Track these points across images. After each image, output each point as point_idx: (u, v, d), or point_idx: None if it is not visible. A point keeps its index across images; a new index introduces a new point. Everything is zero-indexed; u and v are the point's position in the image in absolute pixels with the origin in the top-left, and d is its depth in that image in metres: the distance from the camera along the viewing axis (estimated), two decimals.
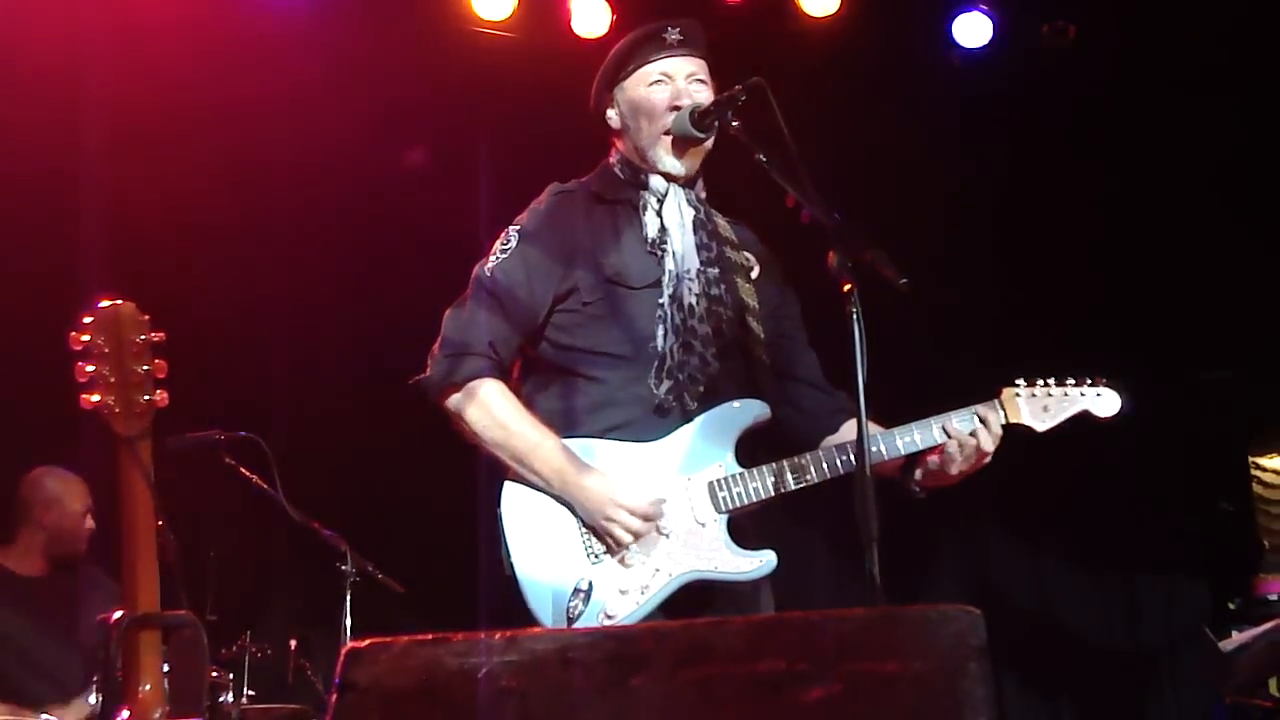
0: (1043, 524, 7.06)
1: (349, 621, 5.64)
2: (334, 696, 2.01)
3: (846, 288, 3.03)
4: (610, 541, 3.36)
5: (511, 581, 3.34)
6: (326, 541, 5.73)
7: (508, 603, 3.33)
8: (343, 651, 2.05)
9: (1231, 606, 6.68)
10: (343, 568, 5.68)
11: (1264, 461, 7.79)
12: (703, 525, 3.41)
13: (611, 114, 3.72)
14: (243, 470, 5.72)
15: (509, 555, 3.36)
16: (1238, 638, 3.90)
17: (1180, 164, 6.68)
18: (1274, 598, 6.59)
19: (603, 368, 3.50)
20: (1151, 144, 6.69)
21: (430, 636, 2.05)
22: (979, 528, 7.14)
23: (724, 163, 3.64)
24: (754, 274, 3.71)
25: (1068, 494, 6.97)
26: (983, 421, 3.47)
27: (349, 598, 5.65)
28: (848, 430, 3.62)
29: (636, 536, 3.36)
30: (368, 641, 2.05)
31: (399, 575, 5.89)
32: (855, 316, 3.01)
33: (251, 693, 5.94)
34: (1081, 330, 6.72)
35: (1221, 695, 6.10)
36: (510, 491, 3.43)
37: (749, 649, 2.04)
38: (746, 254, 3.74)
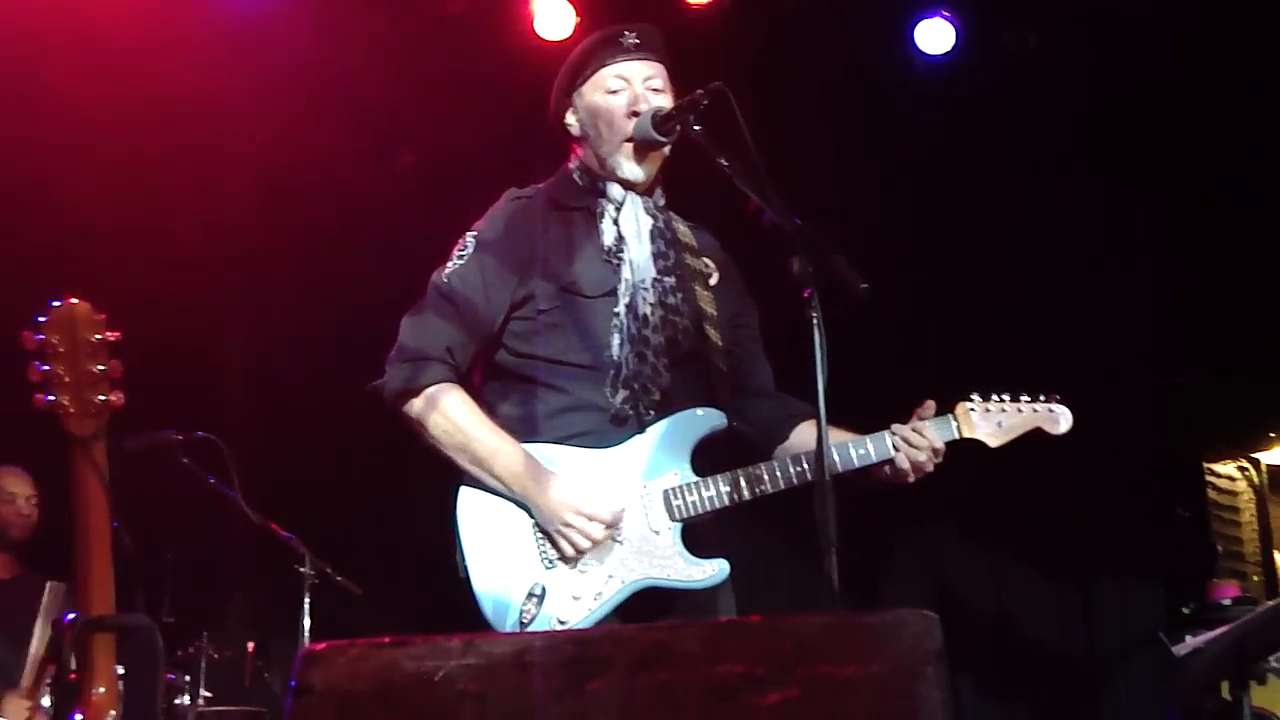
0: (1001, 529, 7.09)
1: (307, 624, 5.62)
2: (290, 699, 2.01)
3: (807, 293, 3.05)
4: (566, 547, 3.35)
5: (465, 584, 3.34)
6: (285, 543, 5.71)
7: (462, 606, 3.33)
8: (299, 654, 2.04)
9: (1186, 611, 6.74)
10: (301, 570, 5.66)
11: (1218, 468, 7.87)
12: (657, 533, 3.42)
13: (571, 119, 3.71)
14: (200, 471, 5.69)
15: (464, 558, 3.35)
16: (1191, 642, 3.93)
17: (1141, 171, 6.72)
18: (1227, 603, 6.64)
19: (561, 376, 3.49)
20: (1112, 150, 6.72)
21: (388, 639, 2.04)
22: (937, 533, 7.17)
23: (689, 166, 3.64)
24: (713, 281, 3.71)
25: (1026, 499, 7.00)
26: (923, 434, 3.48)
27: (307, 600, 5.63)
28: (799, 435, 3.63)
29: (594, 544, 3.36)
30: (324, 644, 2.04)
31: (358, 578, 5.87)
32: (816, 322, 3.03)
33: (208, 695, 5.92)
34: (1041, 337, 6.76)
35: (1175, 699, 6.16)
36: (466, 496, 3.43)
37: (707, 653, 2.04)
38: (707, 260, 3.73)
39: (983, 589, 7.06)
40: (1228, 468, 7.90)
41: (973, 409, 3.57)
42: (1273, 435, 7.94)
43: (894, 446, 3.48)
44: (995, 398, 3.59)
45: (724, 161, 3.27)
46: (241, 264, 6.75)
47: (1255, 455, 7.99)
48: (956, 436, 3.54)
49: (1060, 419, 3.62)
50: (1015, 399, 3.60)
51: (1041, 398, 3.63)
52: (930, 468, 3.50)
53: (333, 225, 6.69)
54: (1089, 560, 7.06)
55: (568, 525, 3.34)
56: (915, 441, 3.48)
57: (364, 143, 6.70)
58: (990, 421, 3.57)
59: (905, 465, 3.48)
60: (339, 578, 5.78)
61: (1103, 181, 6.81)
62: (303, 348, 6.72)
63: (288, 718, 2.00)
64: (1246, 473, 7.94)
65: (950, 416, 3.55)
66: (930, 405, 3.56)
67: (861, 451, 3.47)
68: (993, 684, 6.84)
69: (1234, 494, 7.91)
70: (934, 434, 3.49)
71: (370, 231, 6.59)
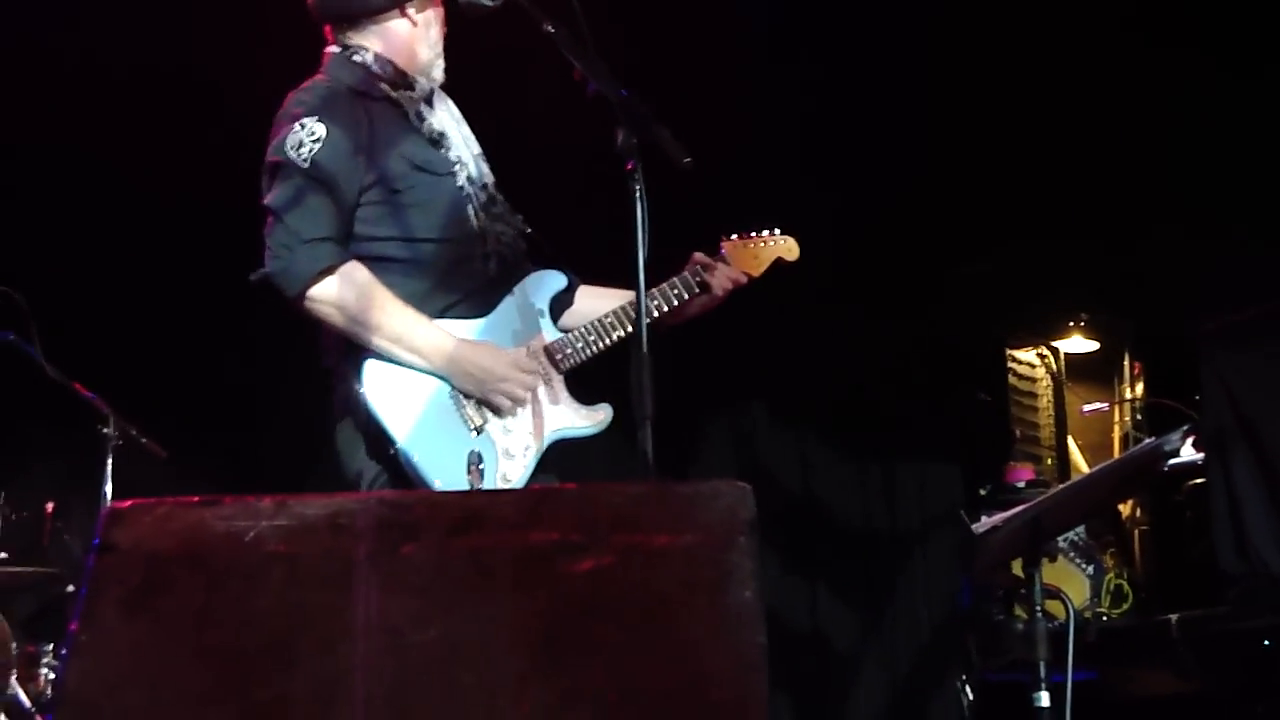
0: (810, 409, 7.22)
1: (109, 487, 5.51)
2: (93, 557, 1.96)
3: (630, 166, 3.09)
4: (505, 403, 3.51)
5: (402, 464, 3.38)
6: (87, 403, 5.56)
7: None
8: (104, 511, 1.99)
9: (982, 493, 6.96)
10: (104, 430, 5.53)
11: (1019, 355, 8.11)
12: (552, 387, 3.64)
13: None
14: None
15: (391, 438, 3.38)
16: (987, 521, 4.08)
17: (944, 61, 6.67)
18: (1021, 485, 6.88)
19: (425, 250, 3.56)
20: (908, 31, 6.61)
21: (196, 499, 2.00)
22: (749, 410, 7.27)
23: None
24: None
25: (836, 381, 7.13)
26: (720, 269, 3.89)
27: (110, 461, 5.51)
28: (584, 299, 3.89)
29: (530, 390, 3.56)
30: (130, 502, 1.99)
31: (164, 441, 5.76)
32: (639, 194, 3.07)
33: (3, 555, 5.78)
34: (853, 226, 6.79)
35: (970, 574, 6.38)
36: (374, 371, 3.43)
37: (522, 519, 2.05)
38: None
39: (790, 466, 7.19)
40: (1028, 355, 8.15)
41: (735, 245, 3.99)
42: (1072, 325, 8.20)
43: (698, 283, 3.84)
44: (743, 234, 4.02)
45: (550, 28, 3.25)
46: (38, 103, 6.40)
47: (1054, 344, 8.25)
48: (735, 269, 3.95)
49: (792, 247, 4.08)
50: (758, 234, 4.04)
51: (776, 230, 4.07)
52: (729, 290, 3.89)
53: (141, 64, 6.35)
54: (893, 441, 7.22)
55: (507, 380, 3.50)
56: (717, 275, 3.87)
57: None
58: (749, 254, 4.00)
59: (719, 290, 3.87)
60: (143, 440, 5.66)
61: (904, 68, 6.73)
62: (106, 195, 6.46)
63: (89, 576, 1.96)
64: (1045, 360, 8.19)
65: (722, 254, 3.96)
66: (700, 255, 3.90)
67: (676, 292, 3.81)
68: (797, 557, 7.00)
69: (1033, 380, 8.16)
70: (726, 268, 3.91)
71: (171, 86, 6.29)
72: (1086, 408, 7.79)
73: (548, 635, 1.96)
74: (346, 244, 3.49)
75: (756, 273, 3.99)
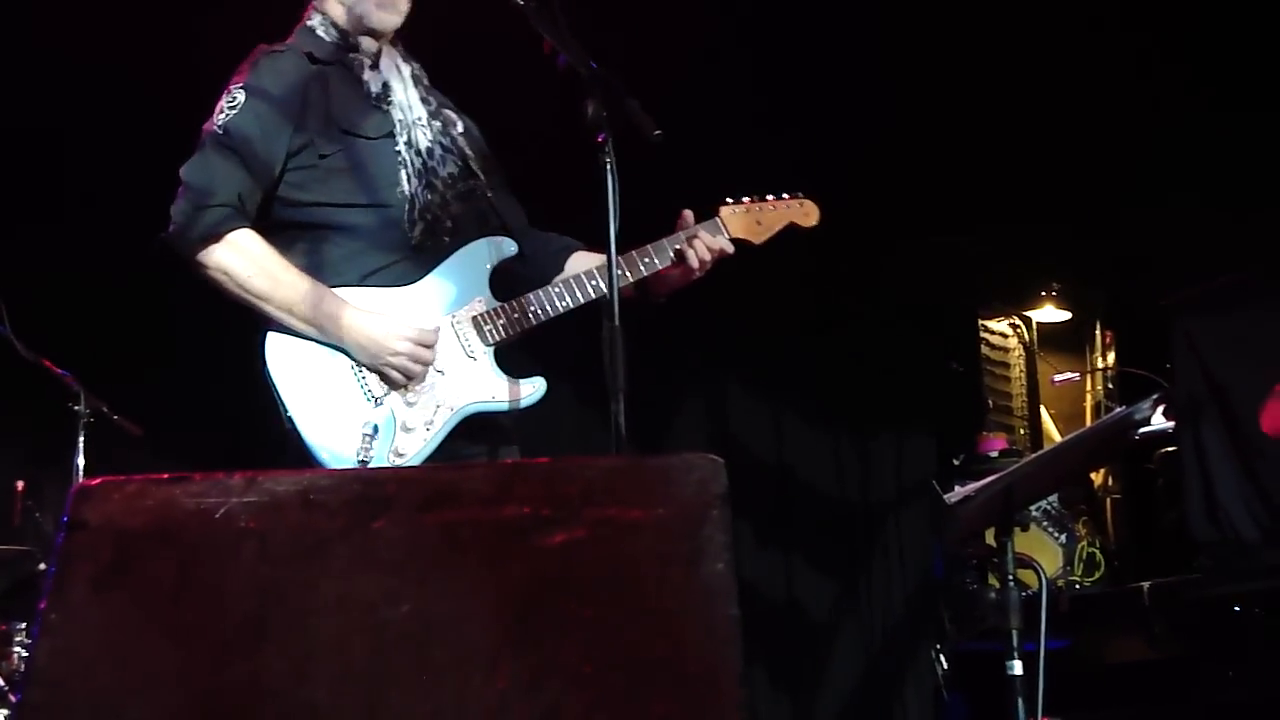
0: (783, 381, 7.23)
1: (81, 463, 5.49)
2: (62, 535, 1.95)
3: (601, 138, 3.09)
4: (397, 377, 3.41)
5: (293, 435, 3.33)
6: (58, 380, 5.54)
7: (288, 456, 3.30)
8: (73, 489, 1.98)
9: (955, 463, 7.00)
10: (75, 408, 5.50)
11: (991, 324, 8.15)
12: (474, 359, 3.51)
13: None
14: None
15: (285, 408, 3.34)
16: (960, 491, 4.09)
17: (924, 27, 6.67)
18: (994, 455, 6.92)
19: (352, 216, 3.51)
20: (895, 12, 6.62)
21: (166, 476, 1.99)
22: (721, 382, 7.27)
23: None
24: (459, 128, 3.78)
25: (807, 351, 7.14)
26: (699, 239, 3.68)
27: (82, 439, 5.49)
28: (573, 266, 3.76)
29: (425, 367, 3.42)
30: (99, 479, 1.98)
31: (137, 418, 5.73)
32: (609, 168, 3.08)
33: None
34: (823, 193, 6.77)
35: (943, 543, 6.42)
36: (274, 342, 3.39)
37: (494, 494, 2.04)
38: (450, 112, 3.81)
39: (763, 438, 7.20)
40: (1001, 324, 8.19)
41: (734, 211, 3.80)
42: (1044, 294, 8.25)
43: (674, 254, 3.67)
44: (748, 198, 3.83)
45: (521, 1, 3.24)
46: (18, 68, 6.32)
47: (1027, 313, 8.29)
48: (727, 237, 3.75)
49: (810, 211, 3.91)
50: (764, 198, 3.85)
51: (786, 195, 3.88)
52: (708, 265, 3.69)
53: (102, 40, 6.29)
54: (866, 411, 7.24)
55: (397, 354, 3.39)
56: (696, 245, 3.67)
57: None
58: (750, 220, 3.81)
59: (694, 261, 3.66)
60: (115, 417, 5.64)
61: (883, 37, 6.74)
62: (81, 169, 6.42)
63: (58, 554, 1.95)
64: (1018, 330, 8.25)
65: (717, 220, 3.77)
66: (688, 214, 3.73)
67: (647, 260, 3.65)
68: (771, 530, 7.01)
69: (1005, 350, 8.21)
70: (710, 237, 3.70)
71: (140, 52, 6.22)
72: (1057, 377, 7.85)
73: (521, 610, 1.95)
74: (250, 210, 3.45)
75: (759, 240, 3.82)
